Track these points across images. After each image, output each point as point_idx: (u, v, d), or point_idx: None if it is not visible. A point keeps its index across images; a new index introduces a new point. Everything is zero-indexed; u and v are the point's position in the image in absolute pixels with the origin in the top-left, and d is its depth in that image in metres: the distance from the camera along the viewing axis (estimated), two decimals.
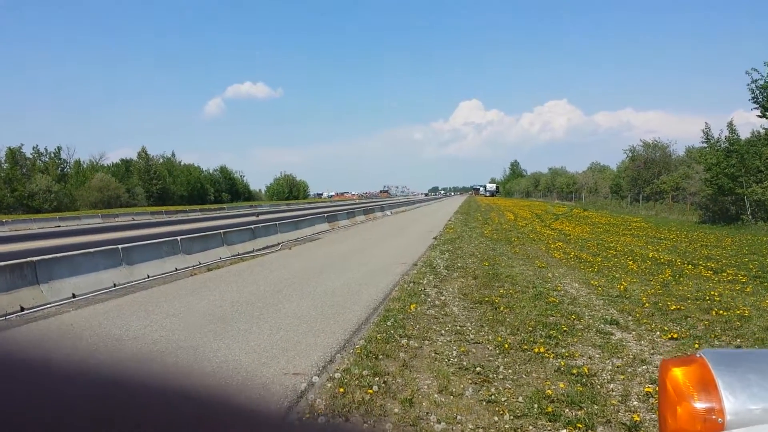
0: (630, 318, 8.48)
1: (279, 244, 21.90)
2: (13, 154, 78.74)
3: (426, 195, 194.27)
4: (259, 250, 19.77)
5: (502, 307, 8.99)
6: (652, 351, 6.80)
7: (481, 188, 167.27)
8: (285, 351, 6.95)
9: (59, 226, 42.06)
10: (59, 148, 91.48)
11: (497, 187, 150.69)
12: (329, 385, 5.61)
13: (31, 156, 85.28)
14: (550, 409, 4.91)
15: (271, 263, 16.06)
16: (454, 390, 5.46)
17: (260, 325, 8.37)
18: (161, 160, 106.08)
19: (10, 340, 6.29)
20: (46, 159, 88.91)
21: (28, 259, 10.71)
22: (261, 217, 45.72)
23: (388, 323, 7.98)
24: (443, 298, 9.96)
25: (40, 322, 8.96)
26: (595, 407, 5.01)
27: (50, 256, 11.34)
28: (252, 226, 21.88)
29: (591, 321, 8.26)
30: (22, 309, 9.78)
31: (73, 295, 10.96)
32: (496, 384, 5.66)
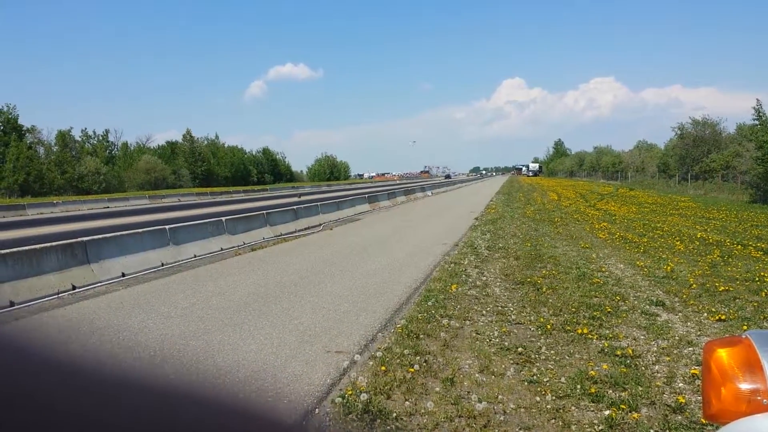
0: (676, 299, 8.31)
1: (320, 224, 22.09)
2: (63, 137, 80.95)
3: (467, 175, 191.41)
4: (301, 230, 19.99)
5: (544, 288, 8.92)
6: (698, 332, 6.67)
7: (524, 168, 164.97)
8: (327, 330, 7.05)
9: (108, 207, 43.26)
10: (107, 131, 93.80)
11: (540, 167, 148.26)
12: (371, 363, 5.68)
13: (80, 139, 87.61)
14: (593, 390, 4.87)
15: (313, 243, 16.23)
16: (495, 370, 5.47)
17: (302, 304, 8.50)
18: (205, 143, 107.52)
19: (60, 318, 6.58)
20: (95, 142, 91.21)
21: (79, 239, 11.07)
22: (302, 198, 46.16)
23: (429, 303, 8.00)
24: (484, 278, 9.93)
25: (91, 300, 9.27)
26: (640, 389, 4.95)
27: (100, 236, 11.70)
28: (294, 207, 22.12)
29: (636, 302, 8.13)
30: (74, 287, 10.12)
31: (123, 275, 11.30)
32: (538, 364, 5.64)
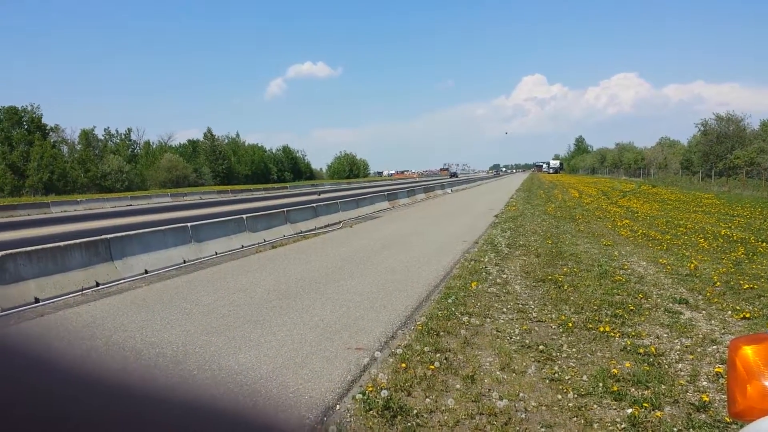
0: (700, 297, 8.20)
1: (340, 222, 22.15)
2: (87, 136, 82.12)
3: (488, 172, 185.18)
4: (321, 228, 20.06)
5: (565, 286, 8.85)
6: (723, 330, 6.58)
7: (544, 165, 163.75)
8: (347, 326, 7.07)
9: (131, 205, 43.76)
10: (129, 130, 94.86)
11: (561, 164, 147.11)
12: (391, 360, 5.69)
13: (102, 137, 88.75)
14: (615, 388, 4.83)
15: (333, 241, 16.27)
16: (516, 368, 5.44)
17: (323, 301, 8.53)
18: (226, 141, 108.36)
19: (85, 314, 6.65)
20: (117, 140, 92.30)
21: (103, 236, 11.21)
22: (322, 196, 46.30)
23: (449, 300, 7.98)
24: (505, 276, 9.88)
25: (115, 297, 9.39)
26: (663, 387, 4.90)
27: (123, 233, 11.84)
28: (314, 205, 22.19)
29: (659, 300, 8.04)
30: (98, 284, 10.26)
31: (146, 271, 11.43)
32: (559, 362, 5.60)
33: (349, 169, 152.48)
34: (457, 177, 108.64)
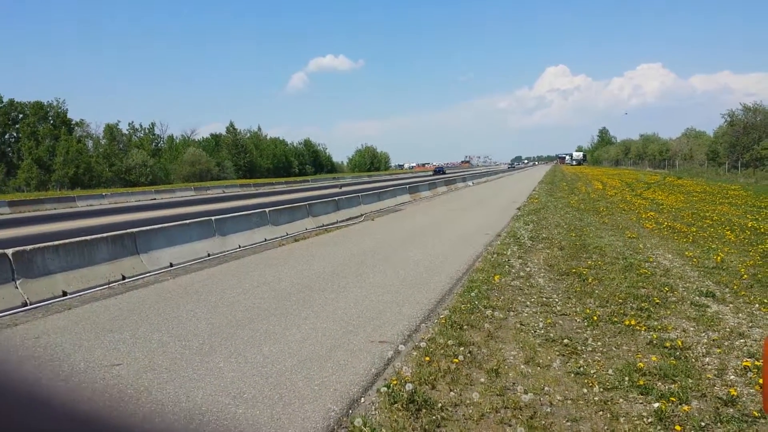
0: (727, 290, 8.09)
1: (362, 215, 22.19)
2: (111, 130, 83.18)
3: (510, 165, 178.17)
4: (343, 221, 20.11)
5: (590, 279, 8.78)
6: (750, 324, 6.48)
7: (567, 157, 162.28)
8: (370, 320, 7.09)
9: (155, 199, 44.30)
10: (153, 124, 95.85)
11: (584, 156, 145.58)
12: (415, 353, 5.69)
13: (127, 132, 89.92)
14: (641, 382, 4.79)
15: (355, 234, 16.31)
16: (541, 361, 5.42)
17: (345, 294, 8.56)
18: (248, 135, 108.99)
19: (112, 307, 6.77)
20: (141, 135, 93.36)
21: (128, 230, 11.36)
22: (343, 189, 46.40)
23: (472, 294, 7.96)
24: (528, 269, 9.82)
25: (141, 290, 9.51)
26: (690, 381, 4.84)
27: (148, 227, 11.98)
28: (335, 198, 22.24)
29: (685, 293, 7.94)
30: (124, 278, 10.41)
31: (171, 265, 11.56)
32: (584, 356, 5.56)
33: (370, 162, 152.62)
34: (444, 174, 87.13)
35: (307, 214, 18.61)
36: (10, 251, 8.80)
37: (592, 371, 5.13)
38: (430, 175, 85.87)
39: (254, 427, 4.19)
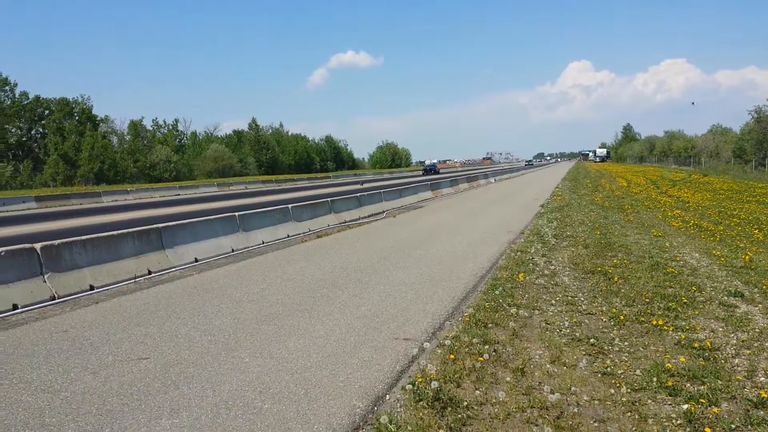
0: (756, 290, 7.95)
1: (383, 211, 22.20)
2: (135, 127, 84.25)
3: (528, 163, 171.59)
4: (365, 217, 20.14)
5: (616, 278, 8.68)
6: None
7: (591, 153, 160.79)
8: (394, 317, 7.09)
9: (179, 195, 44.74)
10: (176, 121, 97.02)
11: (608, 152, 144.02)
12: (439, 351, 5.68)
13: (151, 128, 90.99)
14: (670, 384, 4.72)
15: (377, 231, 16.32)
16: (567, 361, 5.37)
17: (369, 290, 8.57)
18: (270, 131, 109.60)
19: (138, 301, 6.86)
20: (165, 131, 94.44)
21: (154, 225, 11.47)
22: (365, 185, 46.44)
23: (496, 292, 7.92)
24: (552, 267, 9.75)
25: (166, 285, 9.61)
26: (719, 382, 4.77)
27: (174, 223, 12.10)
28: (357, 195, 22.27)
29: (713, 293, 7.82)
30: (150, 272, 10.52)
31: (196, 260, 11.67)
32: (611, 356, 5.50)
33: (392, 158, 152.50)
34: (438, 173, 77.10)
35: (330, 211, 18.66)
36: (38, 246, 8.95)
37: (619, 371, 5.08)
38: (451, 172, 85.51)
39: (281, 422, 4.21)
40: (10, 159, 66.24)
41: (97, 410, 4.49)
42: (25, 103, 73.28)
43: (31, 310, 8.07)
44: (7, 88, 72.53)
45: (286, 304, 7.89)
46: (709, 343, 5.69)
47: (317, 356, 5.67)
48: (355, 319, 7.02)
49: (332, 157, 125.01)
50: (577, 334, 6.13)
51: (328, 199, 19.57)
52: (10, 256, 8.46)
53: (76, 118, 75.13)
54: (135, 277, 10.10)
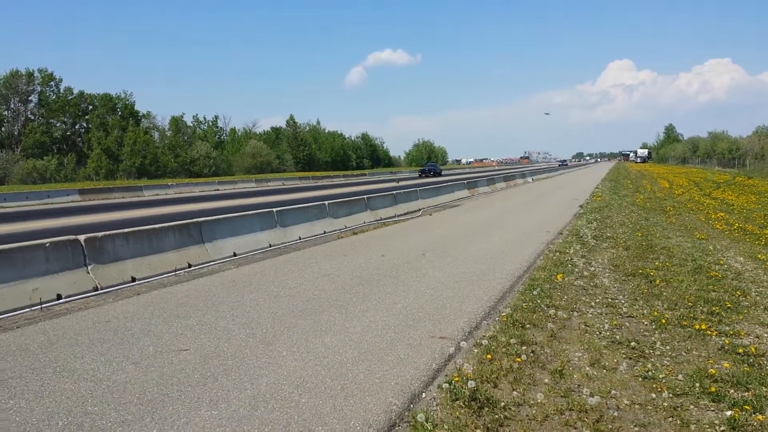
0: None
1: (419, 209, 22.16)
2: (176, 123, 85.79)
3: (562, 163, 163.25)
4: (401, 215, 20.14)
5: (657, 281, 8.50)
6: None
7: (631, 154, 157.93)
8: (430, 315, 7.06)
9: (218, 190, 45.43)
10: (216, 117, 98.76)
11: (649, 153, 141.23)
12: (476, 351, 5.64)
13: (191, 124, 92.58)
14: (713, 389, 4.60)
15: (413, 228, 16.29)
16: (607, 364, 5.28)
17: (405, 288, 8.56)
18: (307, 128, 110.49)
19: (179, 294, 6.95)
20: (205, 127, 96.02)
21: (194, 219, 11.66)
22: (401, 183, 46.43)
23: (534, 292, 7.83)
24: (592, 268, 9.59)
25: (206, 278, 9.76)
26: (764, 389, 4.63)
27: (213, 217, 12.28)
28: (393, 192, 22.27)
29: (758, 298, 7.60)
30: (190, 265, 10.70)
31: (234, 254, 11.82)
32: (652, 360, 5.39)
33: (428, 156, 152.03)
34: (439, 174, 68.02)
35: (366, 208, 18.71)
36: (82, 237, 9.16)
37: (660, 376, 4.97)
38: (487, 171, 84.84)
39: (317, 416, 4.24)
40: (54, 153, 68.04)
41: (138, 400, 4.58)
42: (70, 98, 75.25)
43: (75, 300, 8.28)
44: (52, 83, 74.69)
45: (322, 299, 7.94)
46: (753, 349, 5.53)
47: (353, 352, 5.68)
48: (391, 316, 7.02)
49: (368, 155, 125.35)
50: (618, 337, 6.02)
51: (364, 196, 19.62)
52: (55, 247, 8.67)
53: (119, 113, 76.83)
54: (175, 270, 10.28)
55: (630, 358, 5.43)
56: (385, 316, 7.00)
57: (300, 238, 14.19)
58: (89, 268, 9.04)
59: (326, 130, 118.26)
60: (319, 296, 8.13)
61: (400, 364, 5.34)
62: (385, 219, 18.84)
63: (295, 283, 9.07)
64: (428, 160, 71.08)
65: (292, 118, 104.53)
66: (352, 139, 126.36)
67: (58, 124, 75.08)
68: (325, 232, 15.29)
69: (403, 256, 11.32)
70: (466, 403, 4.36)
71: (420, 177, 65.48)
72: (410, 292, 8.28)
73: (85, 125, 76.86)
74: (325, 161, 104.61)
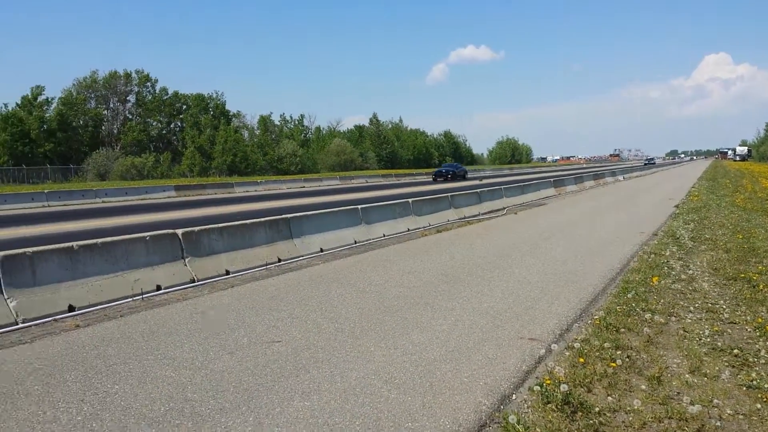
0: None
1: (504, 208, 21.84)
2: (264, 121, 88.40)
3: (649, 161, 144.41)
4: (485, 213, 19.92)
5: (761, 285, 8.00)
6: None
7: (729, 152, 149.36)
8: (518, 315, 6.95)
9: (304, 187, 46.52)
10: (302, 116, 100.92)
11: (749, 151, 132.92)
12: (568, 354, 5.50)
13: (278, 123, 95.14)
14: None
15: (498, 227, 16.08)
16: (707, 372, 5.03)
17: (491, 287, 8.46)
18: (390, 126, 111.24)
19: (270, 287, 7.14)
20: (291, 126, 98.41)
21: (283, 215, 11.99)
22: (484, 181, 45.93)
23: (629, 295, 7.55)
24: (690, 272, 9.15)
25: (295, 273, 10.01)
26: None
27: (301, 213, 12.59)
28: (477, 191, 22.06)
29: None
30: (279, 260, 11.00)
31: (321, 250, 12.07)
32: (757, 369, 5.09)
33: (511, 154, 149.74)
34: (463, 178, 55.93)
35: (450, 206, 18.63)
36: (180, 231, 9.61)
37: (766, 385, 4.69)
38: (575, 169, 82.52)
39: (407, 412, 4.27)
40: (151, 150, 71.51)
41: (234, 388, 4.76)
42: (165, 98, 79.03)
43: (173, 291, 8.70)
44: (149, 84, 78.69)
45: (407, 296, 7.97)
46: None
47: (440, 350, 5.68)
48: (478, 315, 6.96)
49: (451, 153, 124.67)
50: (719, 344, 5.72)
51: (448, 194, 19.54)
52: (154, 240, 9.14)
53: (211, 113, 79.93)
54: (266, 264, 10.60)
55: (733, 366, 5.15)
56: (471, 315, 6.95)
57: (384, 236, 14.30)
58: (186, 260, 9.46)
59: (408, 128, 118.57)
60: (404, 293, 8.17)
61: (488, 364, 5.29)
62: (469, 217, 18.68)
63: (381, 279, 9.15)
64: (451, 170, 55.61)
65: (375, 116, 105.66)
66: (435, 136, 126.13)
67: (154, 123, 78.97)
68: (408, 230, 15.35)
69: (489, 255, 11.20)
70: (559, 407, 4.26)
71: (435, 182, 50.28)
72: (496, 292, 8.18)
73: (179, 124, 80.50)
74: (407, 159, 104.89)
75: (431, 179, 54.60)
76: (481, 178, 56.89)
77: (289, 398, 4.55)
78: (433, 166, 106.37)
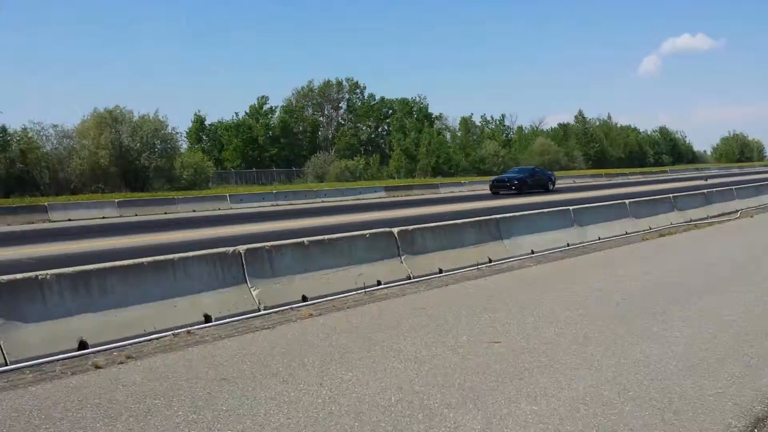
0: None
1: (737, 210, 19.66)
2: (466, 123, 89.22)
3: None
4: (714, 216, 18.09)
5: None
6: None
7: None
8: (767, 331, 6.15)
9: None
10: (503, 116, 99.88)
11: None
12: None
13: (479, 124, 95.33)
14: None
15: (732, 231, 14.56)
16: None
17: (731, 297, 7.64)
18: (597, 123, 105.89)
19: (482, 286, 7.13)
20: (492, 126, 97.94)
21: (492, 216, 11.96)
22: (709, 182, 41.89)
23: None
24: None
25: (506, 273, 9.93)
26: None
27: (509, 214, 12.51)
28: (703, 191, 20.18)
29: None
30: (490, 260, 10.96)
31: (532, 252, 11.81)
32: None
33: (740, 151, 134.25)
34: (546, 188, 38.09)
35: (672, 208, 17.19)
36: (395, 230, 9.99)
37: None
38: None
39: (646, 428, 3.96)
40: (362, 153, 75.79)
41: (459, 385, 4.80)
42: (373, 104, 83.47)
43: (392, 286, 9.06)
44: (358, 90, 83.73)
45: (632, 303, 7.46)
46: None
47: (677, 364, 5.20)
48: (718, 328, 6.28)
49: (668, 150, 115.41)
50: None
51: (670, 195, 18.07)
52: (373, 238, 9.61)
53: (415, 116, 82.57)
54: (477, 264, 10.62)
55: None
56: (711, 328, 6.28)
57: (599, 238, 13.60)
58: (402, 258, 9.81)
59: (618, 125, 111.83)
60: (628, 300, 7.66)
61: (735, 383, 4.73)
62: (696, 220, 17.05)
63: (600, 284, 8.69)
64: (516, 178, 37.44)
65: (580, 113, 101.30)
66: (648, 133, 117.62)
67: (363, 128, 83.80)
68: (626, 233, 14.42)
69: (726, 262, 10.11)
70: None
71: (493, 193, 36.84)
72: (739, 303, 7.32)
73: (386, 128, 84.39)
74: (618, 158, 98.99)
75: (552, 188, 39.46)
76: (706, 178, 51.88)
77: (515, 400, 4.46)
78: (648, 165, 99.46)
